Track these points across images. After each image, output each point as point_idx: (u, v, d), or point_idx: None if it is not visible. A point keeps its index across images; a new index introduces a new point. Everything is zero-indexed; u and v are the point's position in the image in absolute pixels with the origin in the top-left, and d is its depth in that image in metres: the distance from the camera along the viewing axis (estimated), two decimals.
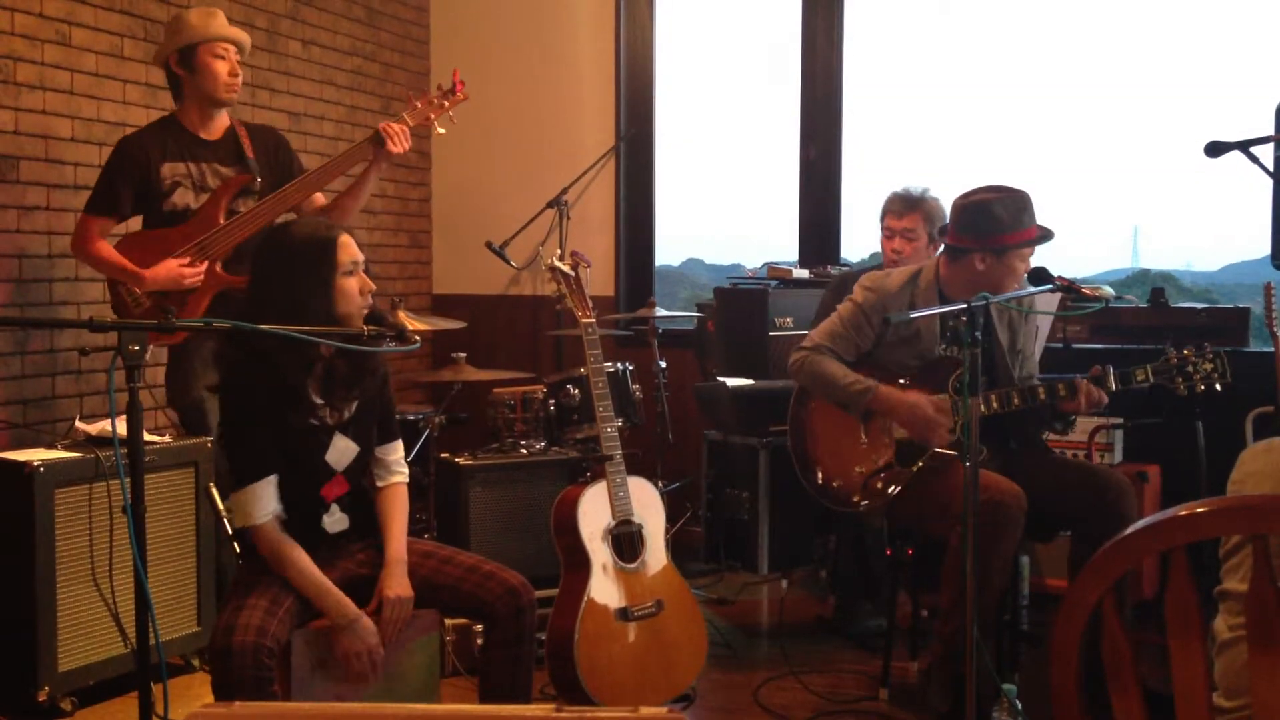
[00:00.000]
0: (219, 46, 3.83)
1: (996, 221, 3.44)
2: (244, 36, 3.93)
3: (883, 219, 4.51)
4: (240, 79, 3.90)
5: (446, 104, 3.90)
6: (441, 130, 3.95)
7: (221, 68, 3.84)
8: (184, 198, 3.83)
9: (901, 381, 3.57)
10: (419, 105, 3.91)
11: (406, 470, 2.98)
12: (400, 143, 3.82)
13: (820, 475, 3.67)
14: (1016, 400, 3.44)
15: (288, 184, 3.85)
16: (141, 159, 3.79)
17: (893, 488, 3.54)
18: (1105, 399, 3.41)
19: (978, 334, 2.88)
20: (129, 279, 3.74)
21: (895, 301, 3.60)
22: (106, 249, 3.78)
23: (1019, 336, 3.65)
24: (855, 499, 3.61)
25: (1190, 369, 3.29)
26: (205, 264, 3.73)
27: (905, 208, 4.44)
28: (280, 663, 2.55)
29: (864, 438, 3.61)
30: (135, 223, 3.96)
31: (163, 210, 3.81)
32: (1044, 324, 4.03)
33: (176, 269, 3.71)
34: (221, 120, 3.94)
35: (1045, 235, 3.48)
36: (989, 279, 3.47)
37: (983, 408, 3.40)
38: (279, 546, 2.68)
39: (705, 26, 6.25)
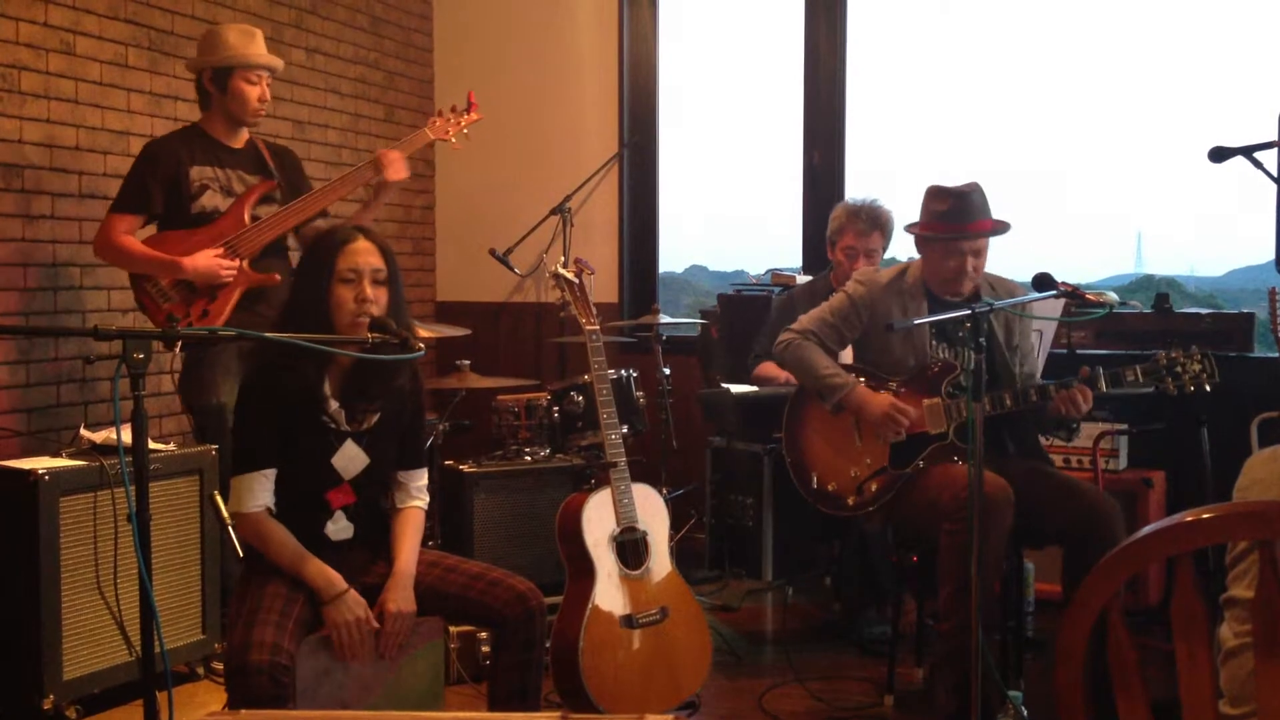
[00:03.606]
0: (253, 73, 3.91)
1: (925, 212, 3.59)
2: (277, 62, 4.00)
3: (839, 235, 4.47)
4: (268, 103, 3.99)
5: (462, 121, 4.16)
6: (458, 145, 4.22)
7: (253, 93, 3.92)
8: (212, 200, 3.91)
9: (892, 385, 3.59)
10: (437, 122, 4.14)
11: (426, 499, 2.95)
12: (397, 170, 4.00)
13: (815, 479, 3.69)
14: (1009, 401, 3.43)
15: (310, 192, 4.00)
16: (171, 160, 3.87)
17: (887, 492, 3.56)
18: (1089, 398, 3.40)
19: (982, 340, 2.89)
20: (164, 269, 3.80)
21: (884, 295, 3.65)
22: (136, 243, 3.85)
23: (1014, 334, 3.67)
24: (850, 502, 3.62)
25: (1179, 369, 3.32)
26: (239, 260, 3.82)
27: (870, 226, 4.42)
28: (293, 675, 2.54)
29: (858, 441, 3.62)
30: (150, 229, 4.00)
31: (190, 212, 3.88)
32: (1047, 331, 4.03)
33: (215, 260, 3.79)
34: (243, 132, 4.04)
35: (958, 236, 3.51)
36: (928, 271, 3.62)
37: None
38: (265, 533, 2.68)
39: (708, 33, 6.26)
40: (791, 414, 3.79)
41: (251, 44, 3.93)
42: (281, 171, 4.06)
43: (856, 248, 4.42)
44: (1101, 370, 3.39)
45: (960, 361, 3.57)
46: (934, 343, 3.61)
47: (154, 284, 3.84)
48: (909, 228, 3.66)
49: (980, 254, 3.55)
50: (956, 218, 3.51)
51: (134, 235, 3.87)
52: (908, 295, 3.63)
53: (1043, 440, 3.77)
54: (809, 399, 3.73)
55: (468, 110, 4.18)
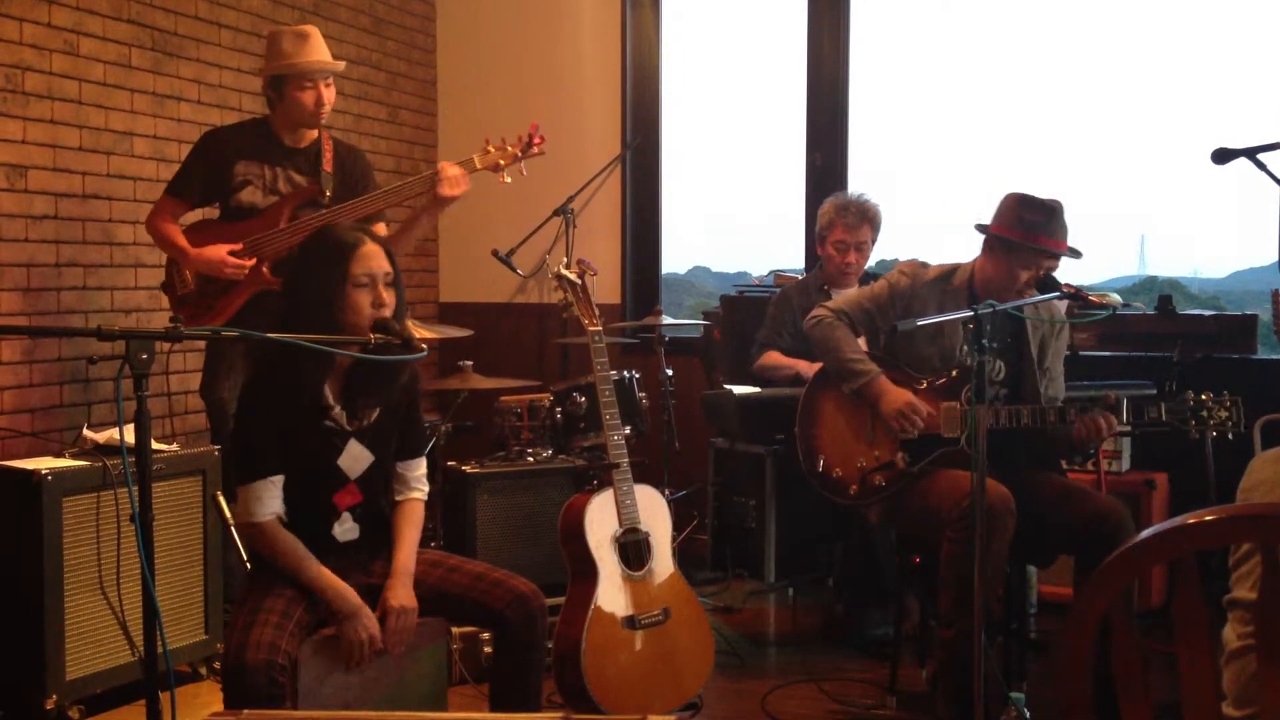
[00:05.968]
0: (306, 79, 3.86)
1: (1015, 217, 3.43)
2: (334, 65, 3.92)
3: (828, 230, 4.49)
4: (330, 104, 3.92)
5: (521, 155, 3.88)
6: (508, 179, 3.90)
7: (308, 98, 3.88)
8: (251, 196, 3.91)
9: (920, 387, 3.57)
10: (491, 150, 3.88)
11: (426, 489, 2.95)
12: (453, 186, 3.80)
13: (822, 462, 3.68)
14: (1026, 418, 3.41)
15: (343, 203, 3.87)
16: (217, 153, 3.91)
17: (890, 487, 3.56)
18: (1115, 426, 3.38)
19: (985, 342, 2.89)
20: (177, 255, 3.88)
21: (925, 292, 3.60)
22: (168, 226, 3.92)
23: (1048, 355, 3.63)
24: (852, 490, 3.62)
25: (1206, 412, 3.29)
26: (252, 261, 3.81)
27: (859, 219, 4.44)
28: (291, 676, 2.54)
29: (871, 433, 3.61)
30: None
31: (230, 205, 3.93)
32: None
33: (223, 255, 3.80)
34: (309, 132, 4.00)
35: (1048, 252, 3.41)
36: (987, 276, 3.51)
37: (993, 420, 3.39)
38: (276, 543, 2.67)
39: (711, 34, 6.26)
40: (810, 393, 3.77)
41: (303, 49, 3.86)
42: (340, 174, 3.98)
43: (847, 241, 4.44)
44: (1126, 400, 3.37)
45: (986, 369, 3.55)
46: (964, 347, 3.56)
47: (178, 269, 3.90)
48: (985, 227, 3.52)
49: (1045, 272, 3.47)
50: (1047, 231, 3.41)
51: (177, 219, 3.95)
52: (950, 296, 3.57)
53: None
54: (830, 382, 3.71)
55: (530, 145, 3.87)
